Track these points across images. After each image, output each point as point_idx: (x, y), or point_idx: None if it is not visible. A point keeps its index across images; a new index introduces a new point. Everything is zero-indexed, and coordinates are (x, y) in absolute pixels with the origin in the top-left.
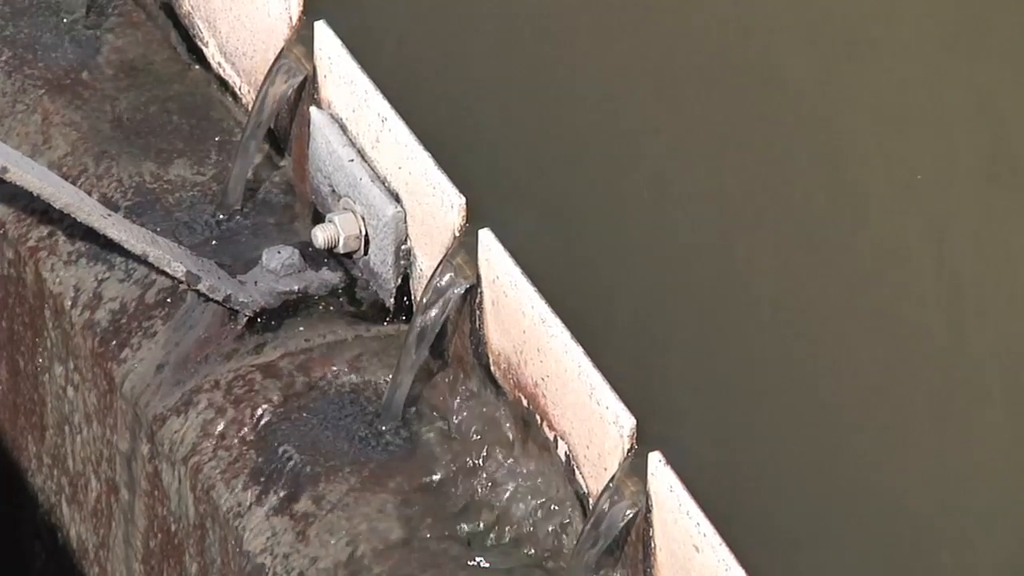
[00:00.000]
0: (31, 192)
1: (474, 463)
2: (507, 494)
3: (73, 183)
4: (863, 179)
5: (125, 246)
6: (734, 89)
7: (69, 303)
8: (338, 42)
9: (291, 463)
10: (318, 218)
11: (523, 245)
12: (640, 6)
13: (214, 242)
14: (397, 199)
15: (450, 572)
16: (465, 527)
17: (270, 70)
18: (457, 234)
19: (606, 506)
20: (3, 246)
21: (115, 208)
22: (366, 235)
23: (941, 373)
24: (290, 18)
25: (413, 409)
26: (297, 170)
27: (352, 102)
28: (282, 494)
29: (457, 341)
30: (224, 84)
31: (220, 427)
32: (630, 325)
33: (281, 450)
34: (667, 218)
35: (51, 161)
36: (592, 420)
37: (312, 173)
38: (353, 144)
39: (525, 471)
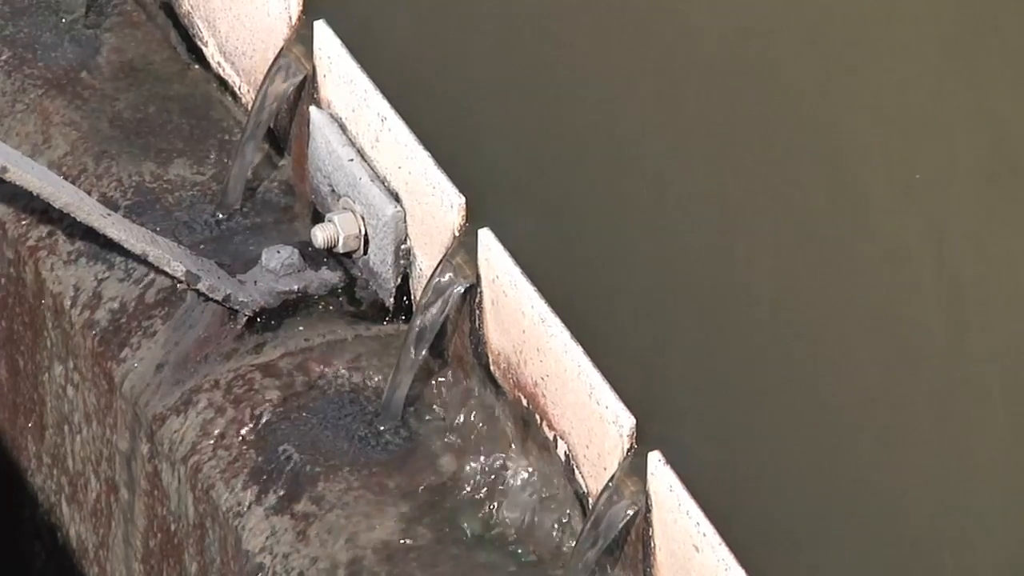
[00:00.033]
0: (31, 192)
1: (474, 463)
2: (507, 494)
3: (73, 183)
4: (863, 179)
5: (125, 246)
6: (734, 89)
7: (69, 302)
8: (338, 42)
9: (291, 463)
10: (318, 218)
11: (523, 245)
12: (640, 6)
13: (214, 242)
14: (397, 199)
15: (450, 572)
16: (465, 527)
17: (270, 70)
18: (457, 234)
19: (606, 506)
20: (3, 246)
21: (115, 208)
22: (366, 235)
23: (941, 373)
24: (290, 18)
25: (412, 409)
26: (297, 170)
27: (352, 102)
28: (282, 493)
29: (457, 341)
30: (224, 84)
31: (220, 427)
32: (630, 325)
33: (281, 450)
34: (667, 218)
35: (51, 161)
36: (592, 420)
37: (312, 173)
38: (353, 144)
39: (525, 471)
